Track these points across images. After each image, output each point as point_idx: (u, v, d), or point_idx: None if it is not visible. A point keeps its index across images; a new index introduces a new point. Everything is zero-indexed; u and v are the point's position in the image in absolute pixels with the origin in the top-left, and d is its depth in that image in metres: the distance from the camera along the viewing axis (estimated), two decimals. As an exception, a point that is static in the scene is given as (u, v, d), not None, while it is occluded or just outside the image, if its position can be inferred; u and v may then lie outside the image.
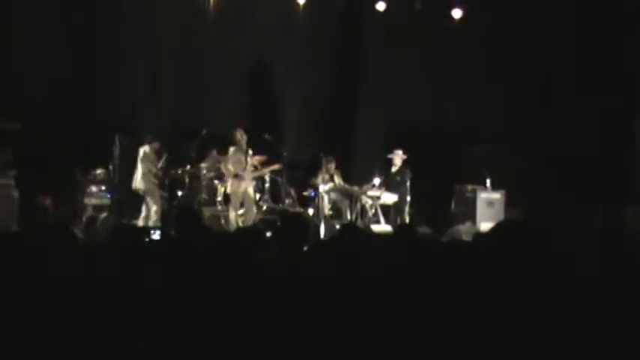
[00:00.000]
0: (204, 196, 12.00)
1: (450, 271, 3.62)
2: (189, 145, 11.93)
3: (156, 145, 11.38)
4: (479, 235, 4.27)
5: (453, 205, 12.76)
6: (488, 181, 12.47)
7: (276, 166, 12.02)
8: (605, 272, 3.74)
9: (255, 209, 11.62)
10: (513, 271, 3.12)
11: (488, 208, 12.25)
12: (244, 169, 11.47)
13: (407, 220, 12.09)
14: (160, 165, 11.42)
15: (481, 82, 13.44)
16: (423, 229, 11.35)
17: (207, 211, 11.48)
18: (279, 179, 12.27)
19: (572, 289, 3.26)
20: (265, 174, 12.03)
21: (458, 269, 3.56)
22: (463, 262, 3.60)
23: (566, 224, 10.99)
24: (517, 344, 3.02)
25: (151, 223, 10.97)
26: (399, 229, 5.12)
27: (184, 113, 13.19)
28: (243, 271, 3.91)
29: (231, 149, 11.47)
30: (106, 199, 11.53)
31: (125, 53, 12.87)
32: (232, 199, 11.49)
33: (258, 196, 12.00)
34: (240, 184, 11.42)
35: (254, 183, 11.75)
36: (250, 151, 11.60)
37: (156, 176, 11.34)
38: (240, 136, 11.46)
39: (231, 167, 11.43)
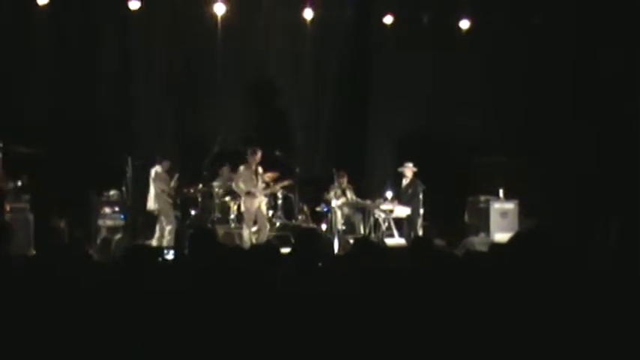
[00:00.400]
0: (217, 214, 12.03)
1: (469, 282, 3.60)
2: (203, 162, 11.96)
3: (166, 164, 11.41)
4: (495, 246, 4.26)
5: (465, 216, 12.69)
6: (501, 192, 12.40)
7: (287, 182, 12.04)
8: (618, 282, 3.72)
9: (268, 226, 11.63)
10: (532, 282, 3.10)
11: (501, 218, 12.16)
12: (256, 186, 11.48)
13: (420, 232, 12.04)
14: (172, 184, 11.45)
15: (488, 92, 13.41)
16: (437, 242, 11.28)
17: (220, 230, 11.50)
18: (292, 195, 12.28)
19: (588, 299, 3.24)
20: (277, 190, 12.06)
21: (477, 281, 3.54)
22: (482, 274, 3.58)
23: (580, 234, 10.91)
24: (537, 354, 3.00)
25: (165, 243, 11.00)
26: (416, 241, 5.09)
27: (192, 131, 13.20)
28: (259, 287, 3.91)
29: (241, 167, 11.49)
30: (119, 221, 11.55)
31: (132, 71, 12.90)
32: (245, 216, 11.50)
33: (271, 212, 12.01)
34: (252, 202, 11.42)
35: (266, 200, 11.76)
36: (261, 169, 11.61)
37: (169, 195, 11.37)
38: (250, 153, 11.48)
39: (242, 185, 11.44)
